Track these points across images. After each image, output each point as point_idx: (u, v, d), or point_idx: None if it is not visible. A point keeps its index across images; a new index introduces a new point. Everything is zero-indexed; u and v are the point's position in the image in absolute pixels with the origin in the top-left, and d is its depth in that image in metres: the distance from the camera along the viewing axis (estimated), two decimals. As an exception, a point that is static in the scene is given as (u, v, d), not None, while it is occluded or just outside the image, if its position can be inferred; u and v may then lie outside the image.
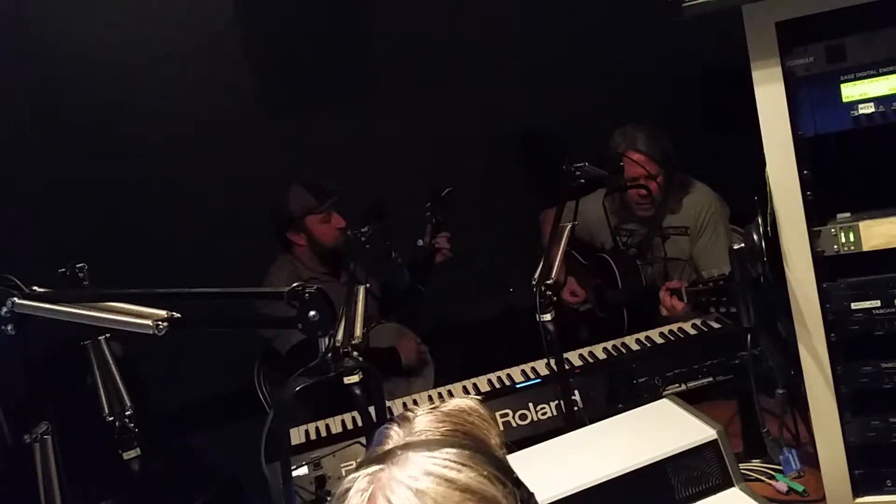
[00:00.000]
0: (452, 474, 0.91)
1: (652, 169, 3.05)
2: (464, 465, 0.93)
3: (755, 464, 2.08)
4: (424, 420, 1.01)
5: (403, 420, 1.02)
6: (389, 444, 0.98)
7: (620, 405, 2.38)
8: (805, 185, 1.72)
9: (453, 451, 0.94)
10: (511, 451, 1.05)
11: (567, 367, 2.42)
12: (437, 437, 0.98)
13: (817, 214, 1.75)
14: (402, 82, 4.01)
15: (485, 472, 0.93)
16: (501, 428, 1.06)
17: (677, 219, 3.15)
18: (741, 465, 1.93)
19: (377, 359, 2.60)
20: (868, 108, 1.66)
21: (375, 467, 0.94)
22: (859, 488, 1.81)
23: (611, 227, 3.18)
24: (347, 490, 0.94)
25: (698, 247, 3.11)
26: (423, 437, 0.98)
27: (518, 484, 0.98)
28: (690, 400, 2.06)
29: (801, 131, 1.71)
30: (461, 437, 0.99)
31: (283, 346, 3.01)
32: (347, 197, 3.21)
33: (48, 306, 1.59)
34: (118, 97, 3.62)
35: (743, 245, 1.81)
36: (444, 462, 0.92)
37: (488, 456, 0.96)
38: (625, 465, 1.76)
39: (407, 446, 0.96)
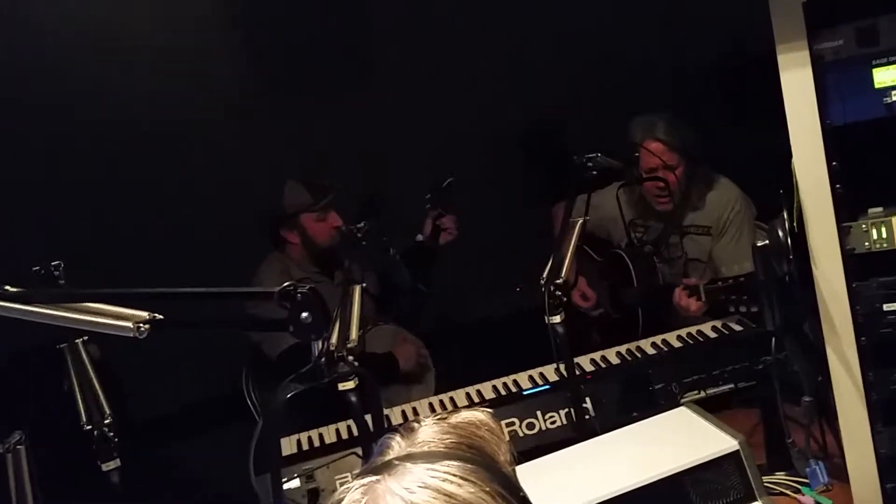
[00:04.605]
0: (452, 488, 0.91)
1: (670, 159, 3.03)
2: (465, 479, 0.92)
3: (780, 477, 2.08)
4: (429, 431, 1.01)
5: (408, 430, 1.02)
6: (390, 455, 0.98)
7: (635, 413, 2.37)
8: (834, 177, 1.72)
9: (455, 463, 0.94)
10: (518, 463, 1.05)
11: (578, 372, 2.43)
12: (441, 450, 0.97)
13: (847, 209, 1.75)
14: (400, 70, 4.01)
15: (487, 489, 0.92)
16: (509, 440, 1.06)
17: (700, 217, 3.14)
18: (765, 479, 1.93)
19: (374, 365, 2.60)
20: (902, 95, 1.66)
21: (372, 478, 0.94)
22: (891, 503, 1.80)
23: (625, 221, 3.17)
24: (340, 501, 0.94)
25: (719, 247, 3.10)
26: (425, 449, 0.98)
27: (524, 503, 0.98)
28: (710, 408, 2.05)
29: (829, 120, 1.71)
30: (466, 450, 0.98)
31: (273, 350, 3.01)
32: (343, 191, 3.20)
33: (21, 307, 1.58)
34: (101, 89, 3.62)
35: (767, 242, 1.81)
36: (444, 475, 0.92)
37: (494, 472, 0.95)
38: (640, 477, 1.75)
39: (407, 457, 0.96)
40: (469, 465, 0.94)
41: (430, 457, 0.95)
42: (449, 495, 0.90)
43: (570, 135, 4.21)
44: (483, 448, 1.00)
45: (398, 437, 1.01)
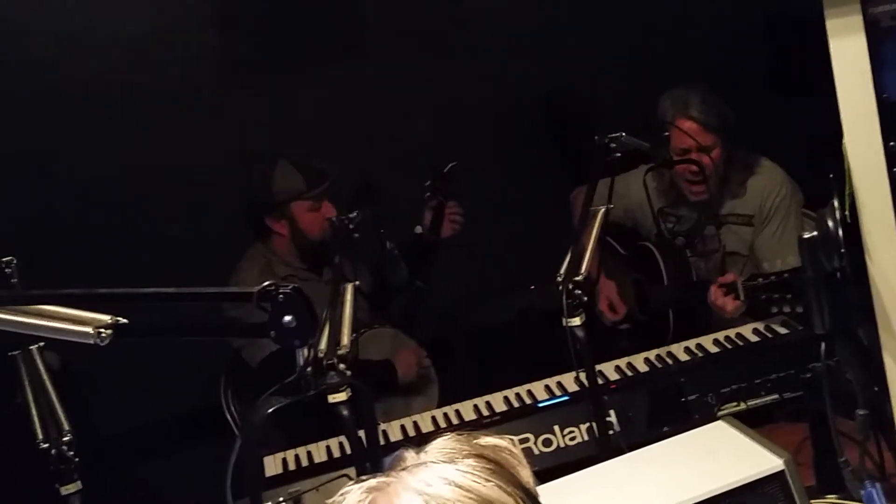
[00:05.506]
0: (473, 484, 0.94)
1: (705, 140, 3.02)
2: (487, 478, 0.96)
3: (831, 500, 2.07)
4: (447, 442, 1.04)
5: (422, 447, 1.04)
6: (402, 467, 1.01)
7: (666, 428, 2.38)
8: (891, 159, 1.71)
9: (476, 463, 0.98)
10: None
11: (600, 381, 2.43)
12: (460, 457, 1.00)
13: (907, 195, 1.74)
14: (398, 38, 4.00)
15: (509, 490, 0.96)
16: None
17: (740, 205, 3.13)
18: (813, 502, 1.93)
19: (368, 374, 2.60)
20: (969, 65, 1.66)
21: (381, 479, 0.97)
22: (957, 529, 1.80)
23: (654, 210, 3.17)
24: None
25: (761, 239, 3.09)
26: (441, 457, 1.01)
27: None
28: (751, 422, 2.05)
29: (886, 93, 1.70)
30: (486, 461, 1.01)
31: (254, 356, 3.02)
32: (333, 176, 3.20)
33: (-33, 310, 1.59)
34: (50, 53, 3.60)
35: (816, 233, 1.80)
36: (466, 472, 0.96)
37: (516, 480, 0.99)
38: (671, 501, 1.75)
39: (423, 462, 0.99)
40: (490, 466, 0.98)
41: (449, 460, 0.99)
42: (469, 490, 0.94)
43: (592, 112, 4.20)
44: (502, 464, 1.03)
45: (412, 451, 1.04)
